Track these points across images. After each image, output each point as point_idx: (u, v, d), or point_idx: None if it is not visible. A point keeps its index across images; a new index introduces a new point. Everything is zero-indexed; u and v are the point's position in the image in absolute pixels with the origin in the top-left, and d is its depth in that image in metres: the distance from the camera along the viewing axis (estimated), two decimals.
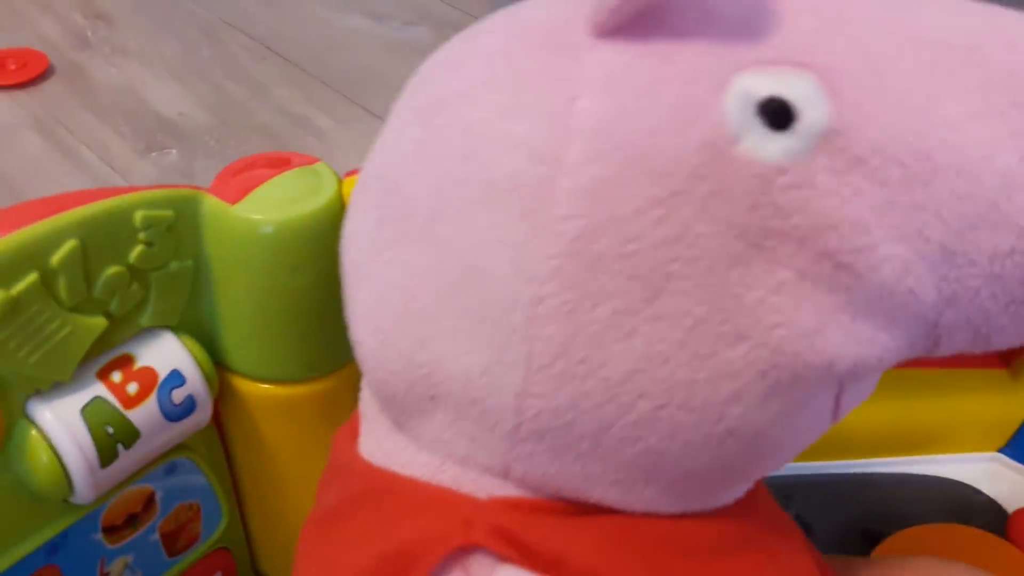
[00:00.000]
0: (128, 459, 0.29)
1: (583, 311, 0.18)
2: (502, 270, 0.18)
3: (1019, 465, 0.39)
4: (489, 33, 0.21)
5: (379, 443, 0.23)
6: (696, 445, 0.19)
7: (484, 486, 0.21)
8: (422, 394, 0.20)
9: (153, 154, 0.80)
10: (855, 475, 0.38)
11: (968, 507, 0.37)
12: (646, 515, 0.20)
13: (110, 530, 0.31)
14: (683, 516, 0.21)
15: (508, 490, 0.20)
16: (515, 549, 0.19)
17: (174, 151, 0.81)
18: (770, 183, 0.18)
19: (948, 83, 0.18)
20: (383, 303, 0.21)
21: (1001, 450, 0.40)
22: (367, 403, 0.24)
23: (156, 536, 0.33)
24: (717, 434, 0.19)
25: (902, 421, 0.39)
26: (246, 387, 0.33)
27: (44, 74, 0.91)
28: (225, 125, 0.85)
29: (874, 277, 0.18)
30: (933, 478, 0.38)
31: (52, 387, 0.27)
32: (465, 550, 0.20)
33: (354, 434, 0.24)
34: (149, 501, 0.32)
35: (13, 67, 0.93)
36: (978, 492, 0.38)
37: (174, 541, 0.34)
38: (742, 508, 0.22)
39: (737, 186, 0.18)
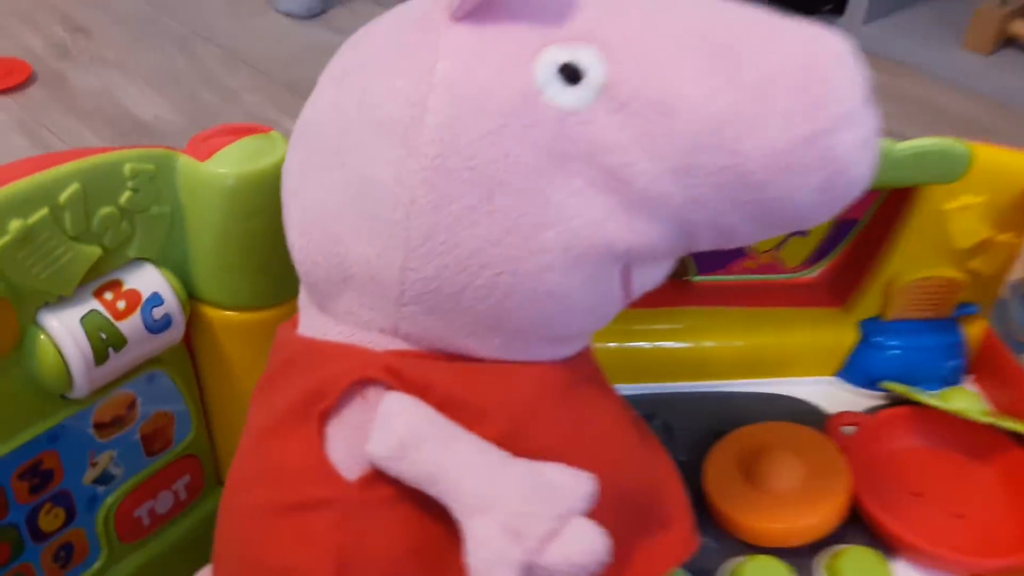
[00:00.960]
0: (117, 361, 0.36)
1: (442, 207, 0.26)
2: (387, 181, 0.27)
3: (849, 386, 0.48)
4: (382, 21, 0.29)
5: (308, 322, 0.31)
6: (525, 304, 0.27)
7: (381, 343, 0.29)
8: (337, 278, 0.29)
9: None
10: (712, 392, 0.46)
11: (803, 417, 0.45)
12: (498, 360, 0.28)
13: (100, 426, 0.39)
14: (528, 362, 0.29)
15: (398, 344, 0.29)
16: (397, 380, 0.28)
17: None
18: (566, 121, 0.26)
19: (689, 52, 0.26)
20: (307, 212, 0.29)
21: (837, 374, 0.48)
22: (302, 296, 0.32)
23: (137, 436, 0.40)
24: (539, 295, 0.27)
25: (754, 350, 0.47)
26: (213, 314, 0.40)
27: (27, 81, 0.98)
28: (197, 127, 0.92)
29: (636, 184, 0.26)
30: (777, 395, 0.46)
31: (58, 300, 0.35)
32: (363, 383, 0.28)
33: (294, 324, 0.32)
34: (131, 405, 0.40)
35: None
36: (814, 407, 0.46)
37: (151, 443, 0.41)
38: (574, 363, 0.30)
39: (544, 122, 0.26)
